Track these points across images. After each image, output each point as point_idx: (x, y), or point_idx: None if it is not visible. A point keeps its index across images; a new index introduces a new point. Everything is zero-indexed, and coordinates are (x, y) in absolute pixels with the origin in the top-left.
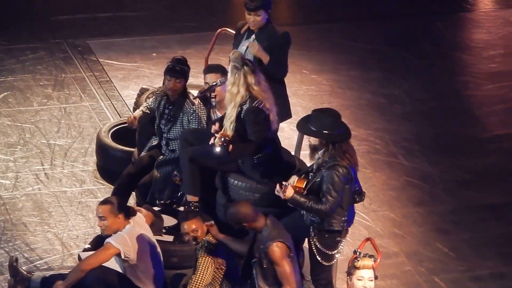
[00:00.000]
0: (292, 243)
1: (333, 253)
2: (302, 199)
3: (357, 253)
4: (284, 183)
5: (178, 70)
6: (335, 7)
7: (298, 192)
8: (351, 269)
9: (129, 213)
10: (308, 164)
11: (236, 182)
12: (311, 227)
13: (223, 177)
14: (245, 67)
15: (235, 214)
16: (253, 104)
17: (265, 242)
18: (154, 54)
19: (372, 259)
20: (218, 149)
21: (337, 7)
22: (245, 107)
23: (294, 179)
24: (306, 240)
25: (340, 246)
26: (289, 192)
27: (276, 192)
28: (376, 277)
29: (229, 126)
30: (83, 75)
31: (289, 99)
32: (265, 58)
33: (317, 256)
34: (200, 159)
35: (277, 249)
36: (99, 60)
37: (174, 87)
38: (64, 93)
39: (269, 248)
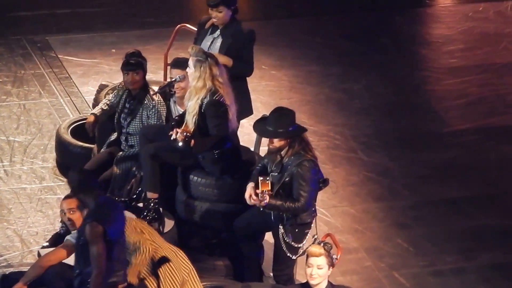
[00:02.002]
0: (120, 228)
1: (300, 245)
2: (279, 202)
3: (313, 239)
4: (258, 191)
5: (133, 62)
6: (293, 2)
7: (272, 196)
8: (304, 254)
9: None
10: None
11: (196, 178)
12: (282, 222)
13: (184, 174)
14: (209, 59)
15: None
16: (214, 97)
17: (85, 218)
18: (114, 50)
19: (326, 246)
20: (180, 143)
21: (296, 2)
22: (205, 101)
23: (252, 184)
24: (269, 234)
25: (306, 239)
26: (267, 198)
27: (252, 201)
28: (333, 265)
29: (191, 120)
30: (43, 72)
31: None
32: (229, 63)
33: (285, 249)
34: (161, 155)
35: (89, 228)
36: (58, 56)
37: (133, 80)
38: (24, 89)
39: (85, 226)
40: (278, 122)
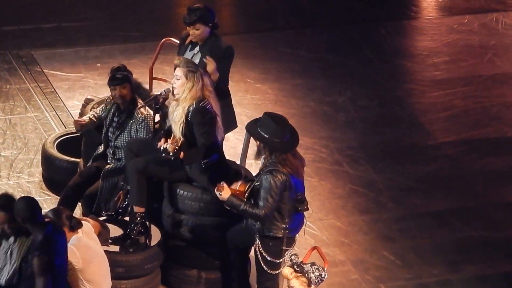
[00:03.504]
0: (65, 258)
1: (278, 261)
2: (238, 202)
3: (289, 258)
4: (222, 182)
5: (119, 77)
6: (276, 15)
7: (235, 195)
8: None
9: (73, 226)
10: (254, 173)
11: (182, 192)
12: (256, 234)
13: (170, 187)
14: (199, 69)
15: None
16: (200, 105)
17: (32, 250)
18: (99, 65)
19: (297, 268)
20: (171, 153)
21: (279, 15)
22: (191, 109)
23: (237, 183)
24: (253, 249)
25: (286, 256)
26: (225, 193)
27: (215, 191)
28: (310, 284)
29: (178, 130)
30: (28, 86)
31: (234, 109)
32: (215, 77)
33: (262, 263)
34: (151, 169)
35: (37, 260)
36: (44, 71)
37: (121, 94)
38: (9, 104)
39: (33, 258)
40: (263, 124)
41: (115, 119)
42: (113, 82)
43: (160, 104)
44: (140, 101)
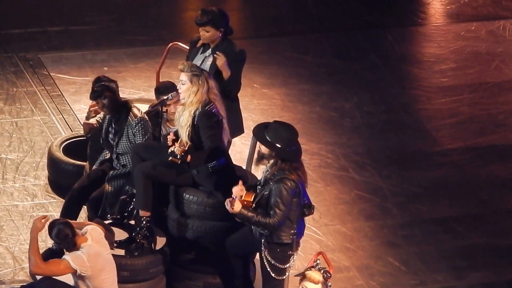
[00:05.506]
0: None
1: (284, 267)
2: (250, 214)
3: (315, 263)
4: (233, 195)
5: (96, 90)
6: (283, 20)
7: (246, 207)
8: (302, 275)
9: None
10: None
11: (188, 196)
12: (262, 240)
13: (176, 191)
14: (204, 72)
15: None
16: (206, 108)
17: None
18: (106, 68)
19: (325, 274)
20: (178, 156)
21: (286, 20)
22: (197, 112)
23: (241, 192)
24: (258, 253)
25: (292, 260)
26: (237, 207)
27: (226, 205)
28: None
29: (184, 134)
30: (35, 89)
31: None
32: (226, 74)
33: (269, 270)
34: (158, 173)
35: None
36: (51, 74)
37: (102, 106)
38: (16, 107)
39: None
40: (273, 131)
41: (113, 125)
42: (92, 96)
43: (167, 109)
44: (144, 105)
